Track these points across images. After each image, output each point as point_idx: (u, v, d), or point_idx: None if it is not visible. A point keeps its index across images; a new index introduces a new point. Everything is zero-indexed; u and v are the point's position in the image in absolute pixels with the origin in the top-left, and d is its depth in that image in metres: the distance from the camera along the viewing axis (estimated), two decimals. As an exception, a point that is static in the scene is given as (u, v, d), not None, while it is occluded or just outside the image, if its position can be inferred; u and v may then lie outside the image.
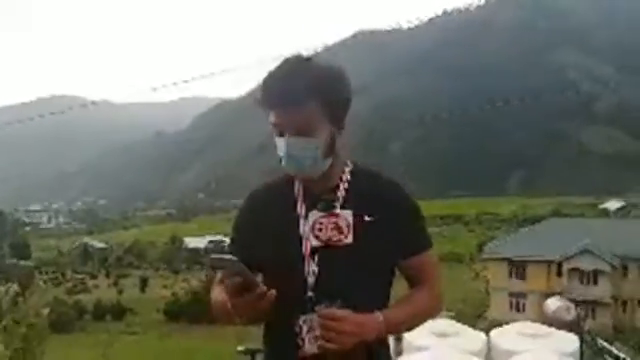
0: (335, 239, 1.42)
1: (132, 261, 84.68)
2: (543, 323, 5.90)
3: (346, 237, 1.42)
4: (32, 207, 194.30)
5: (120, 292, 56.95)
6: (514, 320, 6.55)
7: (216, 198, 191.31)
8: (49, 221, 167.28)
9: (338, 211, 1.44)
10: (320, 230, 1.43)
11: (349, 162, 1.53)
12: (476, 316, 31.38)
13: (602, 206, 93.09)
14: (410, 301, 1.49)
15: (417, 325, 1.53)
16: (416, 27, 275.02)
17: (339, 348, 1.32)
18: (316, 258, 1.42)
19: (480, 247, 47.03)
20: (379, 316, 1.39)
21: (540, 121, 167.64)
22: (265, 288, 1.29)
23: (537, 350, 5.08)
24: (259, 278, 1.35)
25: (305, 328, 1.37)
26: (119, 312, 44.64)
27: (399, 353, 5.50)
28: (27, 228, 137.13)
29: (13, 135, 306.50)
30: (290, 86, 1.37)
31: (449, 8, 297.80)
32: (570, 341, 5.38)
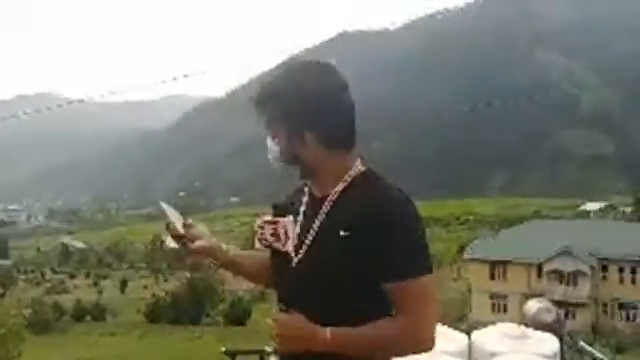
0: (272, 246, 1.47)
1: (112, 261, 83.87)
2: (524, 324, 5.92)
3: (284, 245, 1.44)
4: (11, 206, 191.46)
5: (100, 292, 56.35)
6: (496, 321, 6.57)
7: (200, 197, 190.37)
8: (28, 221, 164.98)
9: (278, 218, 1.47)
10: (262, 234, 1.49)
11: (359, 169, 1.48)
12: (458, 317, 31.56)
13: (582, 208, 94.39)
14: (372, 328, 1.37)
15: (384, 353, 1.39)
16: (401, 28, 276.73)
17: (283, 349, 1.40)
18: (283, 262, 1.48)
19: (461, 248, 47.35)
20: (327, 331, 1.35)
21: (521, 122, 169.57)
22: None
23: (518, 351, 5.09)
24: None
25: (271, 325, 1.43)
26: (99, 313, 44.10)
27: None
28: (5, 227, 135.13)
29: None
30: (261, 90, 1.50)
31: (433, 10, 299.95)
32: (550, 342, 5.41)
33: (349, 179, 1.45)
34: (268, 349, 5.47)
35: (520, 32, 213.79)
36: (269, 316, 1.42)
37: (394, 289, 1.35)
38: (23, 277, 71.00)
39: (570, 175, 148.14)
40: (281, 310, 1.42)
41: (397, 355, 1.42)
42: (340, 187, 1.44)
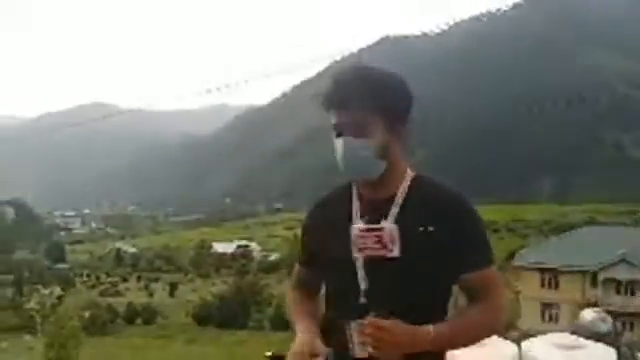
0: (377, 253, 1.43)
1: (162, 265, 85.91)
2: (578, 335, 5.75)
3: (390, 251, 1.42)
4: (66, 212, 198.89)
5: (151, 295, 57.78)
6: (546, 331, 6.41)
7: (243, 203, 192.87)
8: (82, 226, 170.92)
9: (382, 225, 1.43)
10: (364, 244, 1.44)
11: (410, 172, 1.53)
12: (507, 327, 30.83)
13: None
14: (465, 317, 1.47)
15: (473, 341, 1.51)
16: (444, 32, 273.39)
17: (384, 357, 1.36)
18: (369, 267, 1.45)
19: (510, 255, 46.14)
20: (430, 329, 1.40)
21: (574, 125, 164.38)
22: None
23: (571, 362, 4.96)
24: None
25: (355, 333, 1.40)
26: (150, 315, 45.25)
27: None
28: (62, 233, 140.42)
29: (49, 142, 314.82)
30: (350, 89, 1.44)
31: (476, 13, 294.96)
32: (606, 354, 5.24)
33: (409, 179, 1.51)
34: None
35: (570, 31, 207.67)
36: (354, 323, 1.40)
37: (475, 278, 1.46)
38: (79, 280, 73.60)
39: (627, 179, 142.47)
40: (378, 316, 1.37)
41: (479, 341, 1.53)
42: (405, 186, 1.49)
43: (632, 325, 31.19)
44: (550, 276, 35.37)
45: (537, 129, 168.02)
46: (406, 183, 1.50)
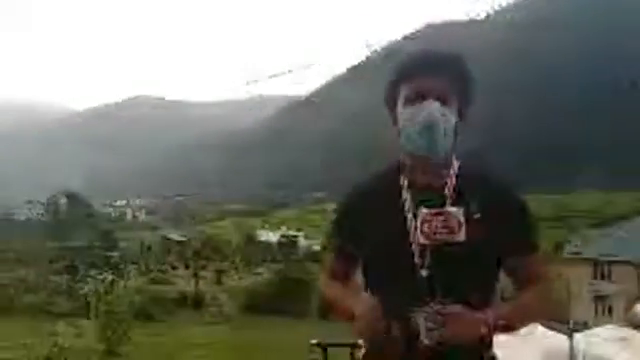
0: (444, 237, 1.44)
1: (209, 254, 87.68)
2: (631, 327, 5.57)
3: (457, 235, 1.44)
4: (117, 202, 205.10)
5: (198, 283, 59.08)
6: (599, 324, 6.23)
7: (286, 192, 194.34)
8: (133, 216, 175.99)
9: (448, 209, 1.44)
10: (429, 228, 1.44)
11: (455, 160, 1.57)
12: (558, 319, 30.12)
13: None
14: (518, 303, 1.51)
15: (523, 326, 1.56)
16: (488, 18, 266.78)
17: (453, 343, 1.38)
18: (427, 254, 1.45)
19: (559, 246, 45.01)
20: (490, 314, 1.43)
21: (623, 113, 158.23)
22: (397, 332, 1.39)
23: (625, 356, 4.82)
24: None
25: (423, 321, 1.39)
26: (197, 303, 46.33)
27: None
28: (113, 222, 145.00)
29: (102, 135, 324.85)
30: (439, 57, 1.51)
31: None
32: (662, 348, 5.06)
33: (456, 167, 1.53)
34: (360, 342, 5.51)
35: (621, 15, 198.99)
36: (422, 311, 1.40)
37: (523, 264, 1.52)
38: (129, 268, 75.91)
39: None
40: (443, 303, 1.38)
41: (527, 325, 1.60)
42: (454, 174, 1.51)
43: (690, 319, 29.97)
44: (602, 267, 34.35)
45: (588, 117, 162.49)
46: (454, 171, 1.52)
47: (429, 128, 1.43)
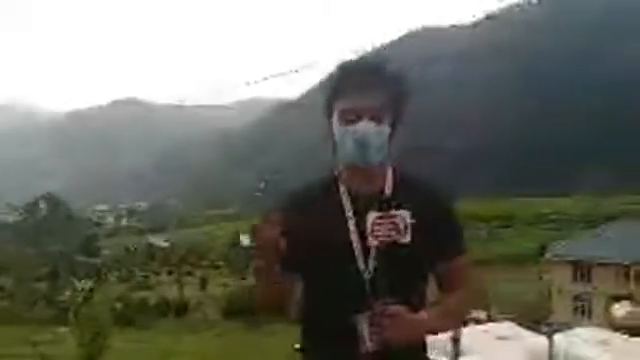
0: (392, 239, 1.44)
1: (193, 259, 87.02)
2: (610, 328, 5.66)
3: (404, 237, 1.45)
4: (99, 207, 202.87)
5: (182, 289, 58.63)
6: (578, 325, 6.33)
7: (277, 197, 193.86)
8: (115, 220, 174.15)
9: (396, 212, 1.45)
10: (379, 231, 1.45)
11: (388, 166, 1.58)
12: (538, 320, 30.39)
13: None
14: (453, 304, 1.55)
15: (453, 326, 1.66)
16: (478, 23, 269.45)
17: (396, 344, 1.39)
18: (370, 258, 1.46)
19: (543, 248, 45.51)
20: (426, 316, 1.47)
21: (611, 116, 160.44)
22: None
23: (604, 356, 4.90)
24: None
25: (366, 325, 1.41)
26: (180, 309, 45.96)
27: (457, 355, 5.43)
28: (95, 227, 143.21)
29: (82, 137, 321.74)
30: (372, 74, 1.48)
31: (505, 4, 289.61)
32: (638, 347, 5.15)
33: (390, 172, 1.56)
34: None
35: (609, 19, 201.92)
36: (364, 315, 1.40)
37: (453, 266, 1.56)
38: (111, 274, 75.09)
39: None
40: (386, 305, 1.39)
41: (457, 325, 1.59)
42: (390, 180, 1.55)
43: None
44: (583, 269, 34.76)
45: (580, 121, 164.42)
46: (389, 177, 1.55)
47: (363, 147, 1.46)
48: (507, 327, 5.64)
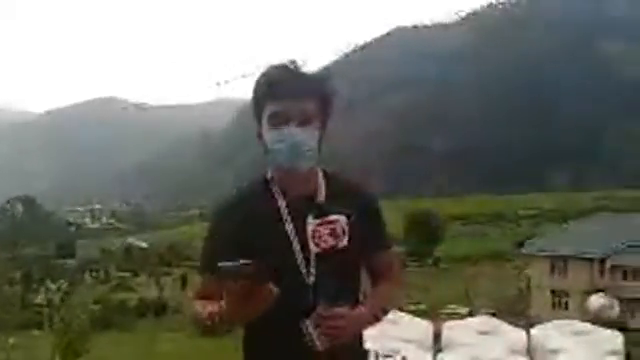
0: (332, 244, 1.49)
1: (172, 260, 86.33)
2: (586, 321, 5.77)
3: (342, 241, 1.50)
4: (77, 208, 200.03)
5: (161, 290, 58.18)
6: (556, 318, 6.43)
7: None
8: (93, 221, 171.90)
9: (334, 217, 1.50)
10: (319, 237, 1.49)
11: (318, 168, 1.61)
12: (517, 314, 30.83)
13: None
14: (383, 297, 1.65)
15: (382, 318, 1.65)
16: (456, 22, 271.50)
17: (343, 342, 1.45)
18: (312, 261, 1.50)
19: (521, 244, 46.20)
20: (364, 311, 1.54)
21: (587, 114, 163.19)
22: (272, 286, 1.32)
23: (580, 348, 4.98)
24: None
25: (311, 328, 1.44)
26: (160, 310, 45.61)
27: (438, 350, 5.48)
28: (72, 228, 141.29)
29: (60, 137, 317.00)
30: (297, 77, 1.49)
31: (485, 3, 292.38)
32: (614, 339, 5.26)
33: (321, 174, 1.59)
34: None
35: (581, 20, 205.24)
36: (310, 319, 1.44)
37: (382, 259, 1.65)
38: (89, 276, 74.15)
39: (635, 168, 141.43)
40: (327, 305, 1.43)
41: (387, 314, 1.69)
42: (321, 182, 1.58)
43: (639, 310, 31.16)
44: (560, 264, 35.37)
45: (551, 119, 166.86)
46: (320, 179, 1.58)
47: (293, 151, 1.47)
48: (487, 321, 5.69)
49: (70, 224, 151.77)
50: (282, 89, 1.47)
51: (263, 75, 1.52)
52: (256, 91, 1.53)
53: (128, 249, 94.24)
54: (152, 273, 73.90)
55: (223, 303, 1.34)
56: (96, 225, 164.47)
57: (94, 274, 76.24)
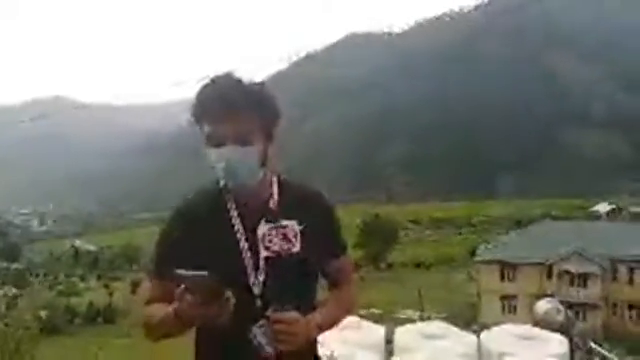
0: (284, 249, 1.51)
1: (123, 264, 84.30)
2: (534, 325, 5.94)
3: (294, 246, 1.52)
4: (23, 210, 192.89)
5: (111, 295, 56.72)
6: (505, 322, 6.59)
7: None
8: (39, 225, 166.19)
9: (285, 222, 1.52)
10: (270, 242, 1.51)
11: (274, 176, 1.61)
12: (469, 319, 31.45)
13: (593, 209, 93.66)
14: (339, 302, 1.66)
15: (339, 323, 1.67)
16: (408, 31, 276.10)
17: (293, 348, 1.44)
18: (262, 268, 1.50)
19: (473, 250, 47.23)
20: (317, 316, 1.54)
21: (532, 124, 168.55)
22: (230, 294, 1.34)
23: (527, 352, 5.13)
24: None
25: (260, 334, 1.44)
26: (110, 315, 44.43)
27: (390, 354, 5.54)
28: (17, 231, 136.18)
29: (6, 137, 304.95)
30: (230, 97, 1.45)
31: (440, 12, 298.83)
32: (560, 343, 5.43)
33: (276, 182, 1.60)
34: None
35: (530, 34, 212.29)
36: (258, 324, 1.43)
37: (338, 265, 1.66)
38: (35, 280, 71.58)
39: (581, 177, 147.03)
40: (277, 311, 1.42)
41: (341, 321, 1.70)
42: (276, 190, 1.59)
43: (585, 315, 32.31)
44: (509, 270, 36.31)
45: (498, 130, 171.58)
46: (275, 186, 1.59)
47: (230, 173, 1.47)
48: (439, 326, 5.79)
49: (16, 226, 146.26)
50: (215, 109, 1.45)
51: (198, 94, 1.50)
52: (192, 111, 1.51)
53: (76, 253, 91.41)
54: (101, 277, 71.98)
55: (177, 306, 1.33)
56: (43, 228, 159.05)
57: (41, 278, 73.66)
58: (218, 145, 1.47)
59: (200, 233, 1.52)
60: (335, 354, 4.56)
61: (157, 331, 1.51)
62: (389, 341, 5.70)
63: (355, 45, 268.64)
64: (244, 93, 1.47)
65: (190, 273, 1.29)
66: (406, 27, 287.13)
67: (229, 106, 1.45)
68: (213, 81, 1.50)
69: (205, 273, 1.27)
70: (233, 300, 1.34)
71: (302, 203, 1.58)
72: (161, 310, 1.44)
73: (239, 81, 1.50)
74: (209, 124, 1.47)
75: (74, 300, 51.13)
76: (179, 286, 1.31)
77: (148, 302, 1.57)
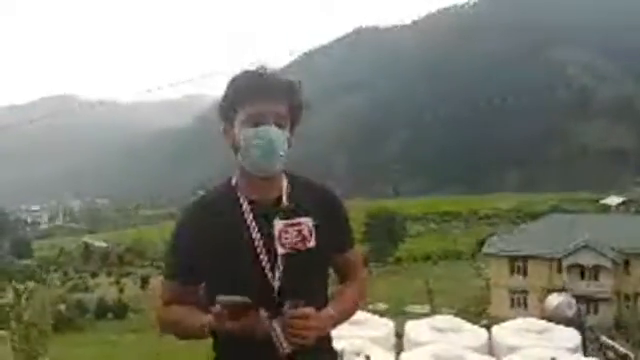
0: (299, 246, 1.55)
1: (133, 259, 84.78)
2: (545, 319, 5.90)
3: (309, 242, 1.56)
4: (33, 207, 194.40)
5: (121, 290, 57.07)
6: (516, 317, 6.56)
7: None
8: (50, 221, 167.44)
9: (300, 219, 1.56)
10: (286, 238, 1.54)
11: (284, 173, 1.65)
12: (477, 313, 31.39)
13: (602, 201, 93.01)
14: (350, 295, 1.69)
15: (352, 316, 1.70)
16: (414, 24, 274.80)
17: (311, 342, 1.47)
18: (278, 264, 1.53)
19: (480, 244, 47.01)
20: (331, 311, 1.57)
21: (538, 117, 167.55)
22: (265, 314, 1.44)
23: (539, 346, 5.10)
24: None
25: (279, 329, 1.46)
26: (120, 310, 44.71)
27: (400, 349, 5.52)
28: (28, 228, 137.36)
29: (16, 135, 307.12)
30: (270, 81, 1.54)
31: (446, 5, 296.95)
32: (572, 337, 5.39)
33: (286, 178, 1.63)
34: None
35: (535, 26, 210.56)
36: (276, 320, 1.46)
37: (348, 259, 1.69)
38: (46, 276, 72.17)
39: (590, 169, 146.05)
40: (293, 307, 1.45)
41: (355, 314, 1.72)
42: (286, 185, 1.62)
43: (596, 309, 32.12)
44: (519, 263, 36.12)
45: (505, 122, 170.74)
46: (285, 182, 1.62)
47: (269, 149, 1.51)
48: (449, 320, 5.77)
49: (26, 223, 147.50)
50: (257, 90, 1.52)
51: (236, 79, 1.55)
52: (230, 94, 1.56)
53: (86, 249, 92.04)
54: (111, 273, 72.46)
55: (215, 324, 1.43)
56: (53, 224, 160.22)
57: (52, 275, 74.24)
58: (257, 124, 1.52)
59: (214, 231, 1.55)
60: (346, 349, 4.55)
61: (182, 335, 1.60)
62: (399, 335, 5.69)
63: (361, 40, 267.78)
64: (279, 81, 1.54)
65: (231, 299, 1.38)
66: (411, 21, 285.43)
67: (270, 88, 1.52)
68: (246, 71, 1.56)
69: (246, 299, 1.36)
70: (267, 318, 1.42)
71: (312, 198, 1.61)
72: (185, 315, 1.54)
73: (275, 72, 1.57)
74: (250, 105, 1.53)
75: (84, 296, 51.54)
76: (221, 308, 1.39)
77: (165, 301, 1.63)
